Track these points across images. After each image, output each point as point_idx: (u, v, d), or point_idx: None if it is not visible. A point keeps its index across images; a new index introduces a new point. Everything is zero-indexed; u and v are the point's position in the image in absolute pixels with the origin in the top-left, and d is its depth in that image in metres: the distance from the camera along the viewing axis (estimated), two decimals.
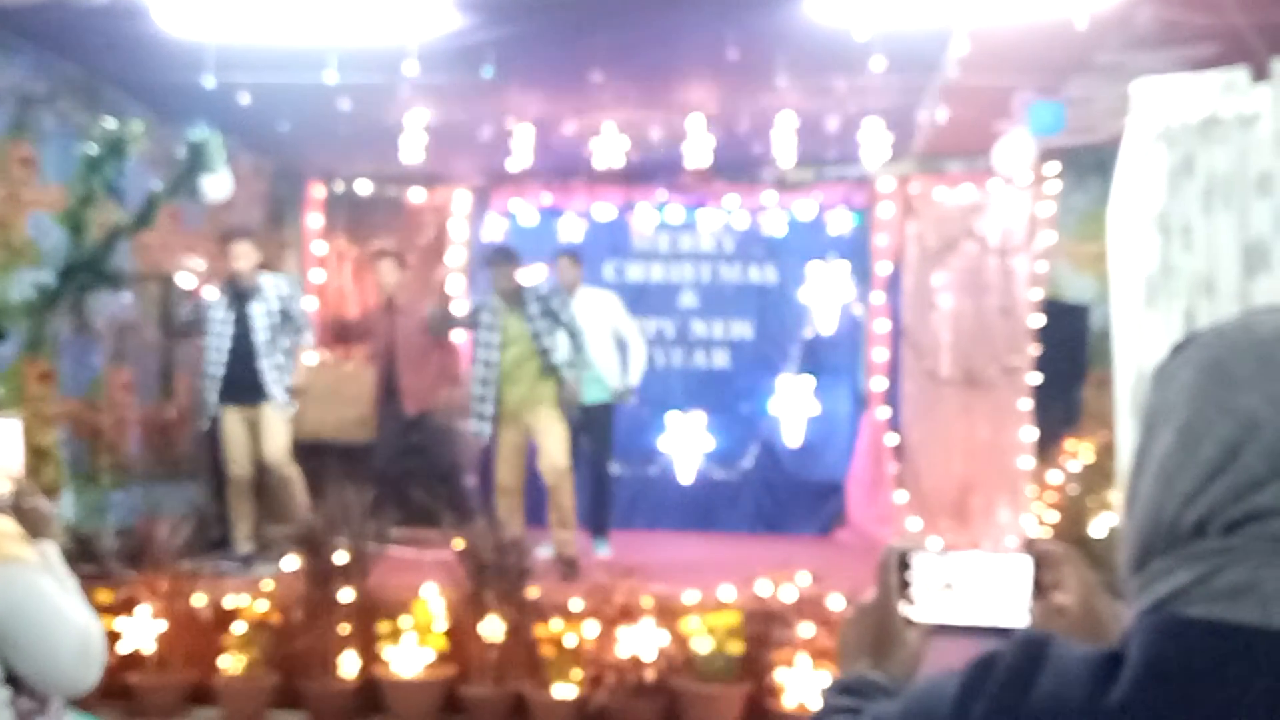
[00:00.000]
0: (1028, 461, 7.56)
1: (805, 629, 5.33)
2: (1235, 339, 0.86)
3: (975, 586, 1.17)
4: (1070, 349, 7.62)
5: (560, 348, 6.60)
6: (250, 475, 6.60)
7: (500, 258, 6.74)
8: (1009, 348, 7.85)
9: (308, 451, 6.93)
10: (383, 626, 5.61)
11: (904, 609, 1.16)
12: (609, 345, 7.39)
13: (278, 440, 6.57)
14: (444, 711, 5.55)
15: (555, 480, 6.52)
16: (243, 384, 6.53)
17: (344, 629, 5.59)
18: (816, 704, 1.10)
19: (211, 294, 6.65)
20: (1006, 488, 7.75)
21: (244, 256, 6.56)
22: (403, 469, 7.38)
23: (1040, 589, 1.15)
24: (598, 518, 7.29)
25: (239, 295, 6.57)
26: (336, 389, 7.65)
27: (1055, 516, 6.76)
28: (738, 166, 8.24)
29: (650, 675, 5.33)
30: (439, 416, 7.74)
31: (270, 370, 6.53)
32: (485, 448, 7.00)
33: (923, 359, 8.16)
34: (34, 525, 2.06)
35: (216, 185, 6.44)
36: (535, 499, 6.87)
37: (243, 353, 6.53)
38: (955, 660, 0.91)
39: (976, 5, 5.20)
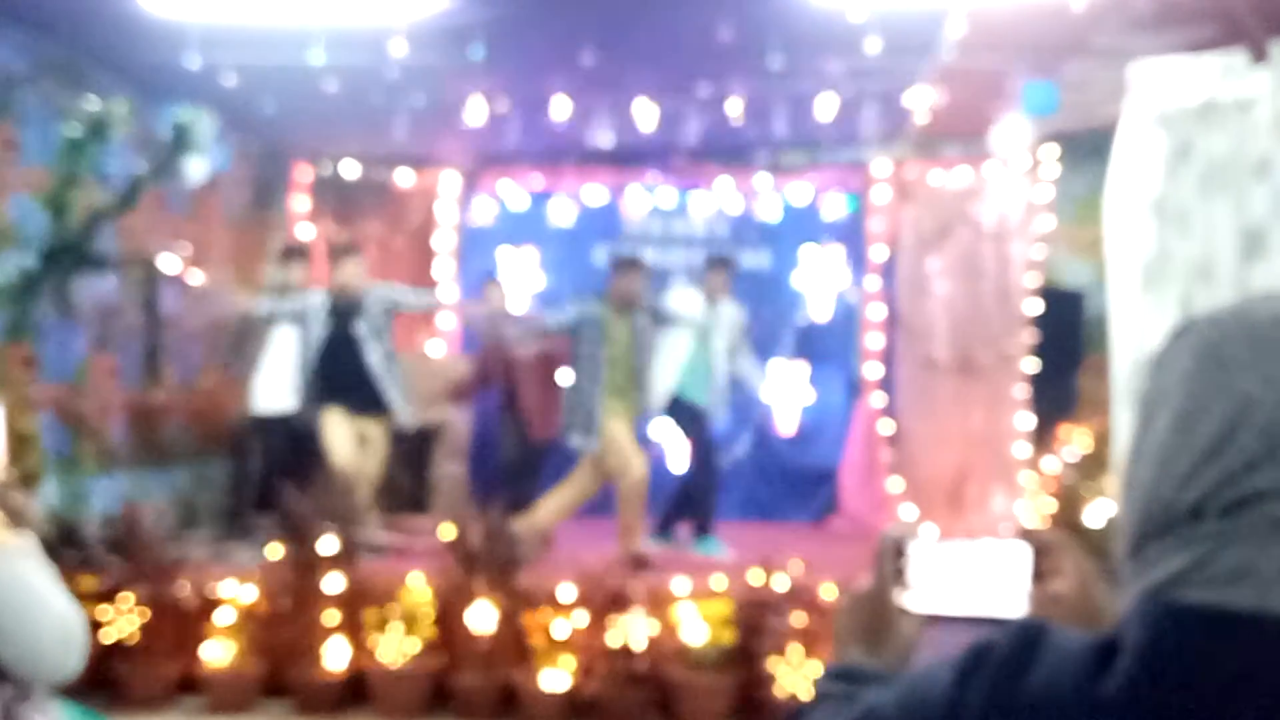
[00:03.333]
0: (1023, 449, 7.52)
1: (797, 618, 5.29)
2: (1231, 324, 0.86)
3: (971, 575, 1.16)
4: (1066, 335, 7.57)
5: (666, 352, 6.68)
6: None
7: (628, 266, 6.69)
8: (1005, 334, 7.82)
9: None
10: (370, 615, 5.56)
11: (899, 597, 1.15)
12: (721, 357, 7.20)
13: (382, 455, 6.86)
14: (433, 701, 5.50)
15: (631, 488, 6.43)
16: (354, 394, 6.67)
17: (331, 618, 5.54)
18: (809, 692, 1.10)
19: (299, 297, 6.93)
20: (1002, 475, 7.72)
21: (352, 273, 6.74)
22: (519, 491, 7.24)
23: (1037, 577, 1.13)
24: (702, 515, 7.03)
25: (346, 309, 6.71)
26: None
27: (1051, 504, 6.72)
28: (731, 150, 8.18)
29: (641, 664, 5.30)
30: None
31: (387, 380, 6.70)
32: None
33: (918, 345, 8.11)
34: (12, 517, 2.03)
35: (200, 167, 6.37)
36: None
37: (349, 363, 6.66)
38: (950, 648, 0.91)
39: None
